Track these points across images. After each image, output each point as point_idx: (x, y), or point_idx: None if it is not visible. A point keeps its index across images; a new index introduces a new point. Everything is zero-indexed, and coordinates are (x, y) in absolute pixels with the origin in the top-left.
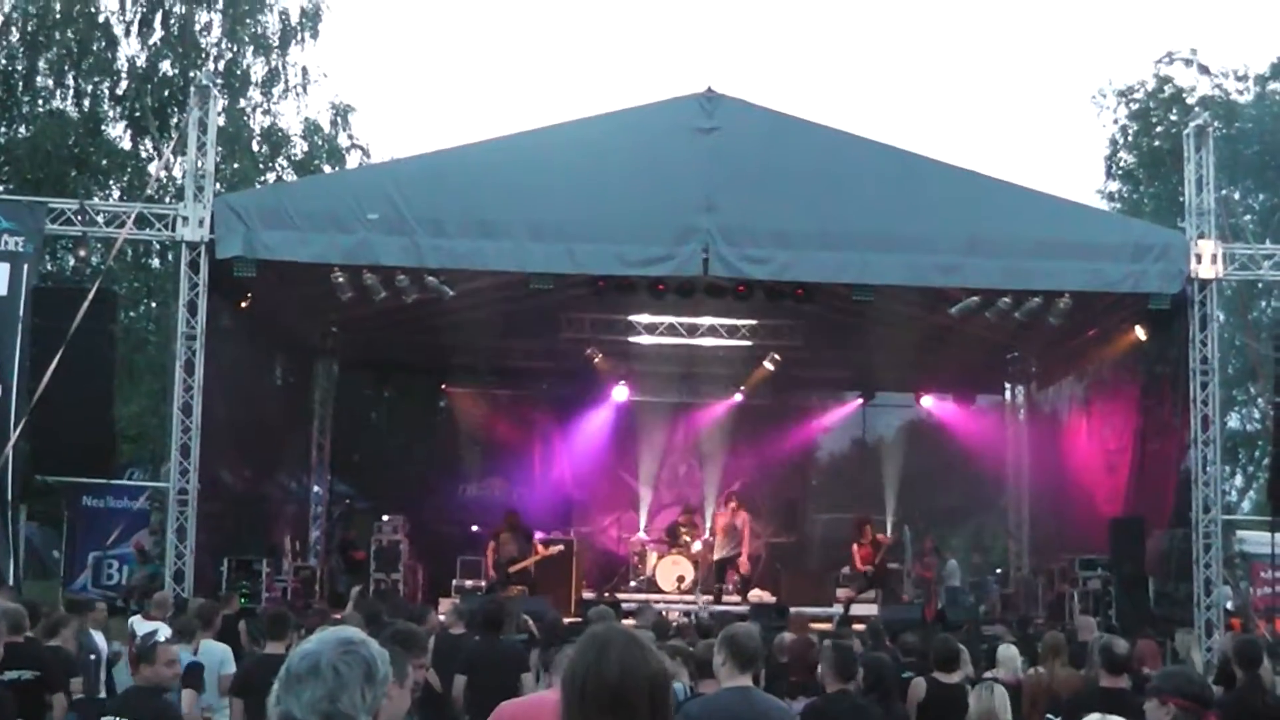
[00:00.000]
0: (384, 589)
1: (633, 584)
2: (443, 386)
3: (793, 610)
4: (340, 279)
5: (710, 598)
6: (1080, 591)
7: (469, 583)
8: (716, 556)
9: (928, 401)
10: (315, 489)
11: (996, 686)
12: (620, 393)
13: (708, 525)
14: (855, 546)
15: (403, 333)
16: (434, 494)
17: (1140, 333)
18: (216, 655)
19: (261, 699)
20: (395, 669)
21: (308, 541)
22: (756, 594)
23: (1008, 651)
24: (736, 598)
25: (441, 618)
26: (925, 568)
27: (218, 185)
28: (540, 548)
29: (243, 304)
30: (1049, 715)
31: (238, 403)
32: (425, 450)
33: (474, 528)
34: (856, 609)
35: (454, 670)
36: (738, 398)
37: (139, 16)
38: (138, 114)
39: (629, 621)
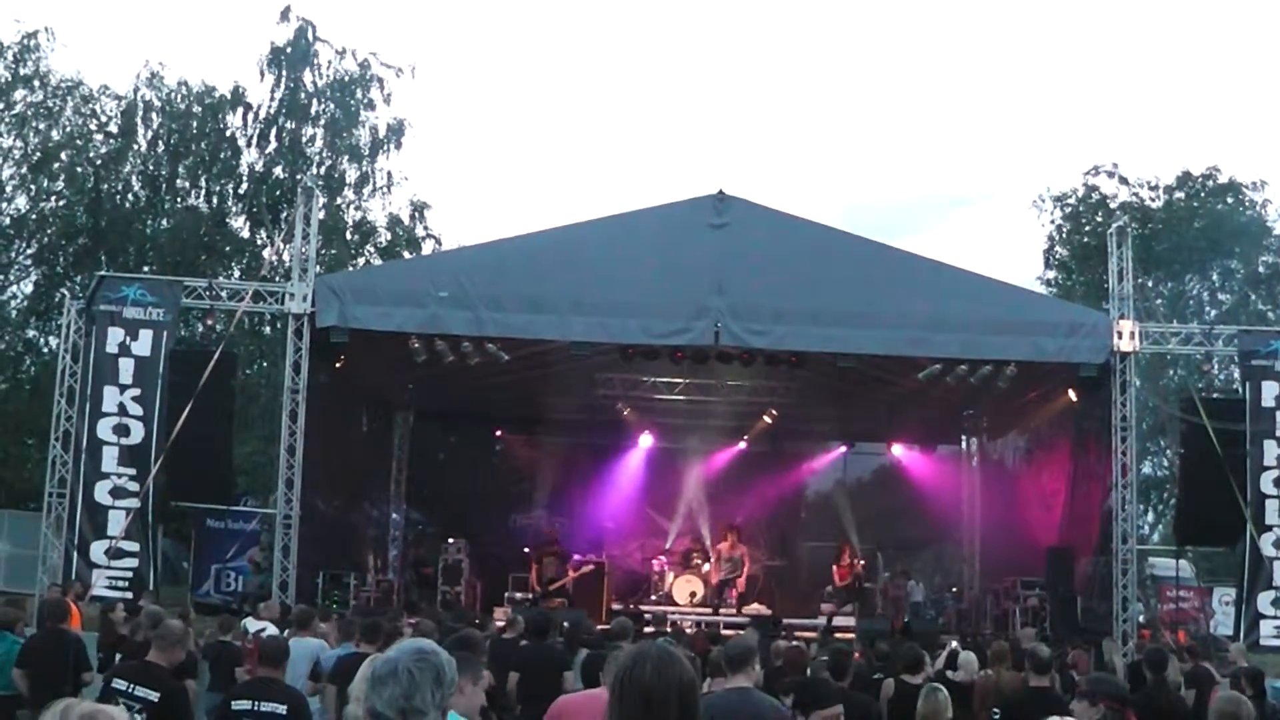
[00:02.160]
0: (449, 599)
1: (653, 598)
2: (498, 433)
3: (785, 621)
4: (416, 345)
5: (731, 610)
6: (1021, 607)
7: (518, 595)
8: (717, 579)
9: (898, 450)
10: (394, 516)
11: (940, 690)
12: (645, 440)
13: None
14: (835, 566)
15: (466, 389)
16: (490, 521)
17: (1072, 395)
18: (311, 648)
19: (348, 685)
20: (471, 670)
21: (387, 559)
22: (755, 607)
23: (968, 657)
24: (733, 612)
25: (498, 624)
26: (895, 587)
27: (318, 268)
28: (572, 570)
29: (337, 365)
30: (994, 710)
31: (332, 445)
32: (483, 486)
33: (523, 549)
34: (837, 620)
35: (508, 669)
36: (742, 445)
37: (258, 132)
38: (255, 210)
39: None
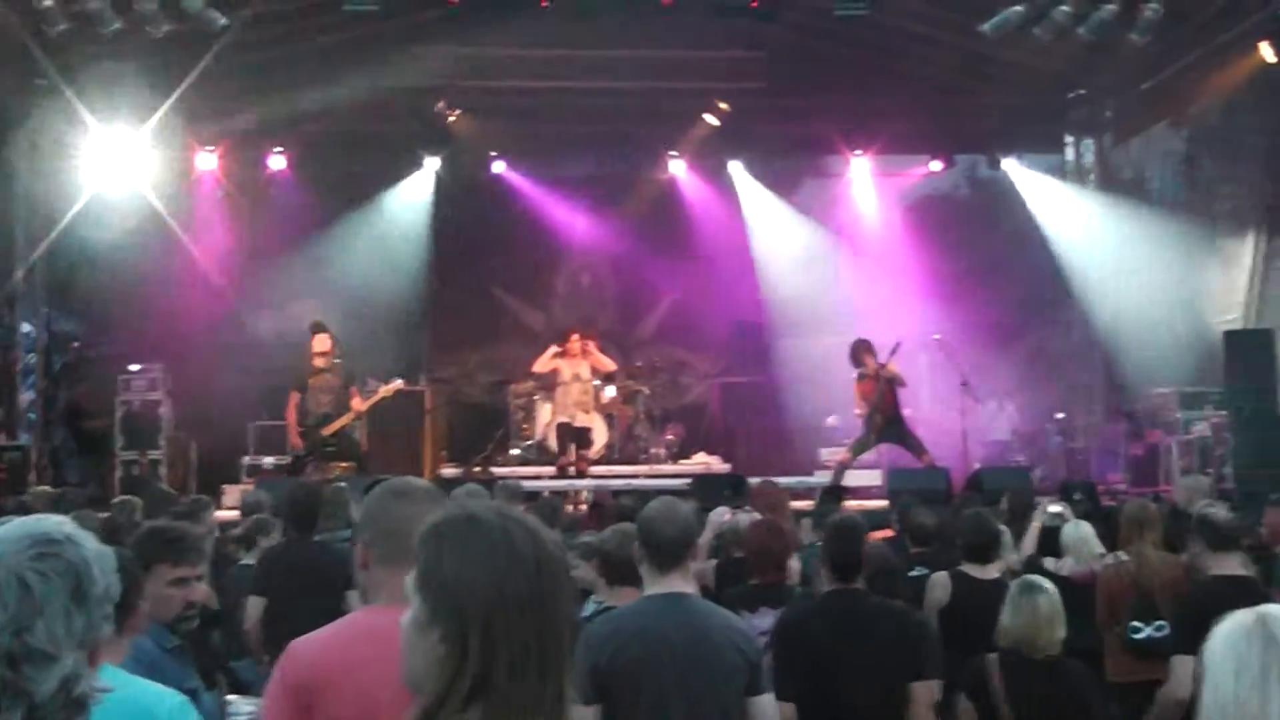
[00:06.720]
0: (138, 475)
1: (516, 451)
2: (218, 161)
3: (756, 481)
4: (47, 2)
5: (660, 465)
6: (1181, 441)
7: (268, 460)
8: (628, 418)
9: (936, 166)
10: (25, 328)
11: (1043, 592)
12: (496, 168)
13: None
14: (855, 380)
15: (150, 78)
16: (210, 329)
17: (1268, 53)
18: None
19: None
20: (170, 555)
21: (15, 409)
22: (702, 460)
23: (1078, 531)
24: (663, 466)
25: (226, 514)
26: (953, 414)
27: None
28: (358, 400)
29: None
30: (1135, 624)
31: None
32: (193, 263)
33: (273, 380)
34: (855, 474)
35: (246, 590)
36: (669, 167)
37: None
38: None
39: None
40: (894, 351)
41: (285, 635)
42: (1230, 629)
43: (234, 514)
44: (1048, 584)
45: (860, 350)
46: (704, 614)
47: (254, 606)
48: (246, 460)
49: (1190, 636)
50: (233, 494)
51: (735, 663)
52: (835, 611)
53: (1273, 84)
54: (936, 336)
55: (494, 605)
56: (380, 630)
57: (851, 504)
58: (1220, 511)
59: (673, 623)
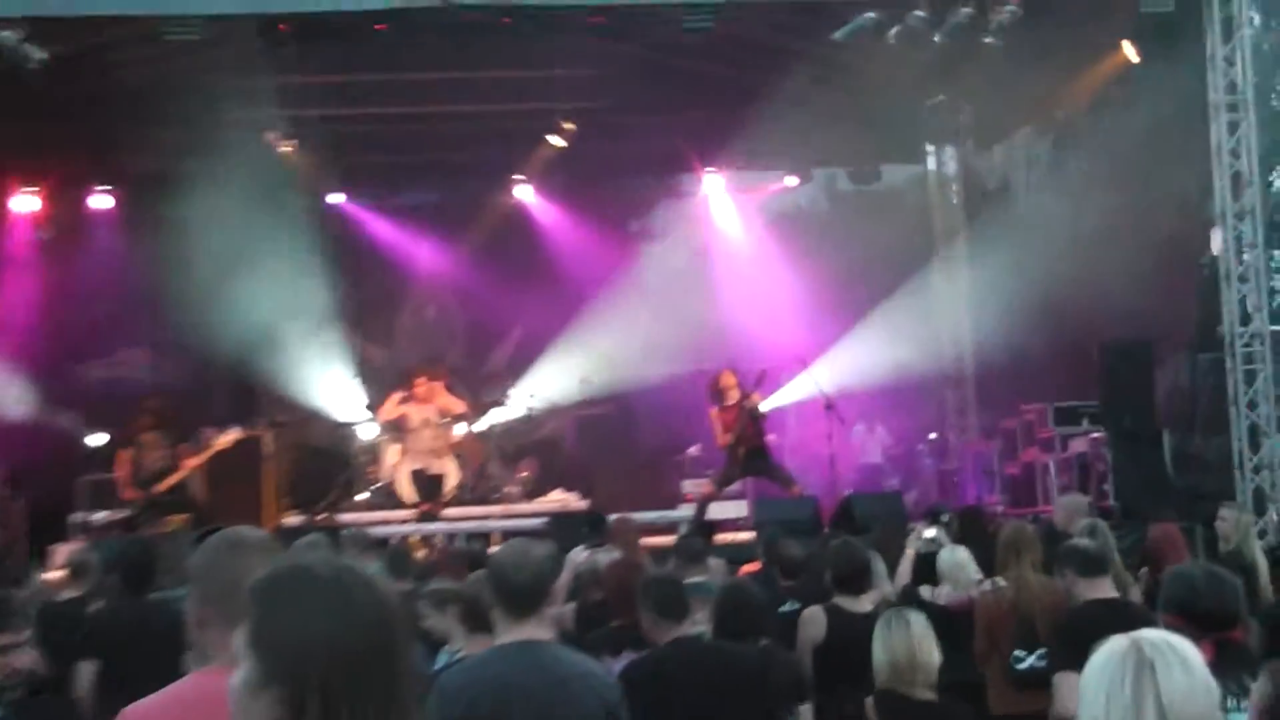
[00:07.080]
0: None
1: (363, 496)
2: (39, 203)
3: (614, 518)
4: None
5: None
6: (1058, 459)
7: (99, 516)
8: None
9: (792, 181)
10: None
11: (908, 621)
12: (334, 199)
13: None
14: (716, 411)
15: None
16: (34, 380)
17: (1130, 52)
18: None
19: None
20: None
21: None
22: (559, 497)
23: (954, 557)
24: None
25: (54, 575)
26: (824, 439)
27: None
28: (190, 458)
29: None
30: (1017, 653)
31: None
32: (9, 307)
33: (101, 432)
34: (720, 508)
35: (76, 655)
36: (515, 192)
37: None
38: None
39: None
40: (759, 380)
41: (120, 701)
42: (1105, 654)
43: (63, 574)
44: (914, 610)
45: (717, 384)
46: (560, 661)
47: (85, 672)
48: (75, 517)
49: (1071, 661)
50: (63, 554)
51: (594, 710)
52: (675, 659)
53: (1138, 84)
54: (801, 360)
55: (332, 663)
56: (217, 693)
57: (719, 537)
58: (1086, 542)
59: (528, 670)
